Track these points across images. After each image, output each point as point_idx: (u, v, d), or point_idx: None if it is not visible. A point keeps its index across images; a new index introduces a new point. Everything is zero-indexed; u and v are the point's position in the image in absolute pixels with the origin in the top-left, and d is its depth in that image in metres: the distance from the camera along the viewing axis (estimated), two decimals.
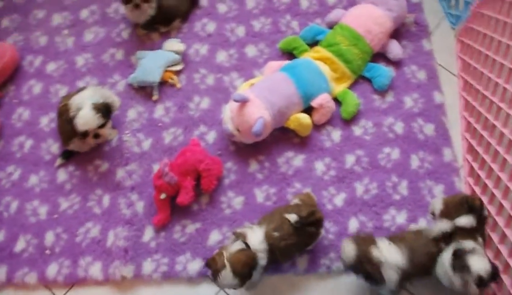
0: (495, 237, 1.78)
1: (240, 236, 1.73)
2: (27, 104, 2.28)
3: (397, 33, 2.30)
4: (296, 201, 1.86)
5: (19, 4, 2.54)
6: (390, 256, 1.67)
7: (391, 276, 1.66)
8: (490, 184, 1.85)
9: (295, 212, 1.74)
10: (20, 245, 2.00)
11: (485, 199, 1.86)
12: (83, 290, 1.94)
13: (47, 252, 1.98)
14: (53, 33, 2.44)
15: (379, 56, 2.26)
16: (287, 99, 2.04)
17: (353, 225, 1.96)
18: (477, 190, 1.93)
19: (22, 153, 2.18)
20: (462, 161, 2.08)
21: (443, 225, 1.70)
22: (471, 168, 2.02)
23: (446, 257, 1.66)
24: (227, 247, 1.70)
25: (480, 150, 1.96)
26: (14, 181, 2.12)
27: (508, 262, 1.65)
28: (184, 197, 1.97)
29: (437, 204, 1.86)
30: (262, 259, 1.71)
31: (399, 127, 2.13)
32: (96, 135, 2.02)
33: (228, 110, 2.04)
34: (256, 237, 1.72)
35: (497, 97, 1.88)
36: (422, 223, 1.95)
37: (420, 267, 1.70)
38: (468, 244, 1.65)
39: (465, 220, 1.74)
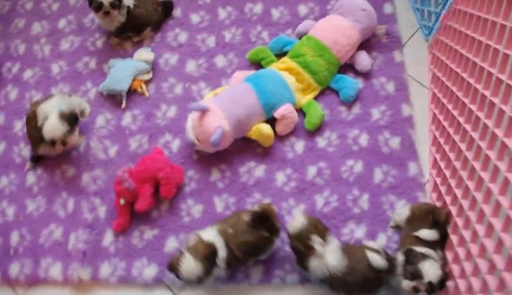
0: (449, 255, 1.73)
1: (194, 236, 1.76)
2: (2, 109, 2.38)
3: (368, 44, 2.27)
4: (256, 207, 1.87)
5: (2, 13, 2.65)
6: (329, 256, 1.68)
7: (317, 270, 1.69)
8: (448, 200, 1.81)
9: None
10: None
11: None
12: (44, 290, 2.00)
13: (11, 251, 2.06)
14: (32, 42, 2.54)
15: (349, 67, 2.24)
16: (248, 109, 2.05)
17: None
18: (439, 206, 1.88)
19: None
20: (429, 175, 2.04)
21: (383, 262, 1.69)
22: (435, 183, 1.97)
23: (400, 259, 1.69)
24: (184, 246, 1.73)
25: (442, 164, 1.91)
26: None
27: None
28: (141, 204, 2.00)
29: (404, 210, 1.85)
30: (221, 249, 1.71)
31: (364, 140, 2.10)
32: (63, 143, 2.07)
33: (190, 120, 2.07)
34: (208, 233, 1.75)
35: (457, 111, 1.84)
36: (381, 238, 1.92)
37: (354, 284, 1.69)
38: (422, 249, 1.65)
39: (427, 234, 1.73)
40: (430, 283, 1.58)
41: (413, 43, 2.32)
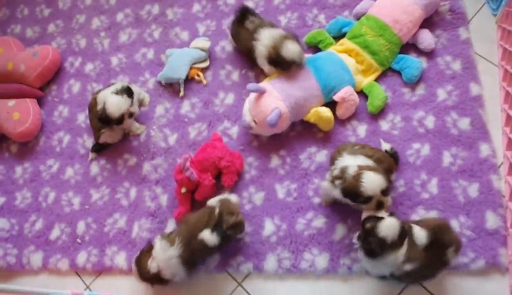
0: None
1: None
2: (66, 102, 2.45)
3: (431, 22, 2.17)
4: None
5: (64, 10, 2.74)
6: None
7: None
8: None
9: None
10: (55, 233, 2.16)
11: None
12: (109, 279, 2.04)
13: (78, 240, 2.11)
14: (92, 36, 2.60)
15: (411, 47, 2.15)
16: (305, 91, 2.01)
17: None
18: None
19: (60, 147, 2.34)
20: (503, 157, 1.91)
21: None
22: (511, 165, 1.84)
23: None
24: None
25: None
26: (53, 173, 2.29)
27: None
28: (202, 194, 2.00)
29: None
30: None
31: (430, 122, 2.00)
32: (131, 115, 2.11)
33: (247, 103, 2.05)
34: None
35: None
36: (453, 225, 1.81)
37: None
38: None
39: None
40: None
41: (479, 19, 2.19)
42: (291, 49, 2.00)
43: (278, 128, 2.00)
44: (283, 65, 2.03)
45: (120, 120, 2.08)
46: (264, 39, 2.06)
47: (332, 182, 1.74)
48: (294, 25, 2.33)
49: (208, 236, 1.76)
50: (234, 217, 1.79)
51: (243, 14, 2.19)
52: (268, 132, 2.05)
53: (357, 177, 1.63)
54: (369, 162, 1.72)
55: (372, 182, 1.61)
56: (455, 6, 2.18)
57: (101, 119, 2.07)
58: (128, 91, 2.09)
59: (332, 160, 1.86)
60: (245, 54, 2.24)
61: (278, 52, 2.02)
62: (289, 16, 2.36)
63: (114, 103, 2.03)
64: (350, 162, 1.73)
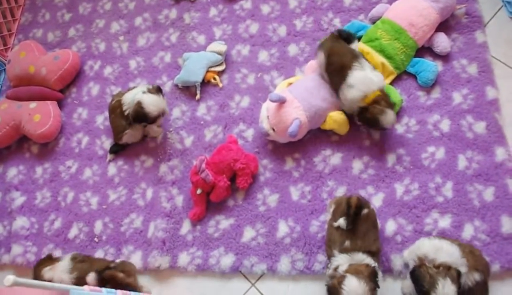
0: None
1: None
2: (85, 105, 2.50)
3: (447, 25, 2.16)
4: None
5: (84, 15, 2.79)
6: None
7: None
8: None
9: None
10: (73, 232, 2.20)
11: None
12: None
13: (96, 239, 2.16)
14: (111, 40, 2.65)
15: (426, 50, 2.15)
16: (325, 101, 2.02)
17: (390, 227, 1.88)
18: None
19: (79, 148, 2.39)
20: None
21: None
22: None
23: None
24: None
25: None
26: (72, 174, 2.34)
27: None
28: (217, 196, 2.03)
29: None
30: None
31: (445, 125, 2.00)
32: (163, 114, 2.16)
33: (265, 110, 2.07)
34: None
35: None
36: (468, 230, 1.81)
37: None
38: None
39: None
40: None
41: (496, 22, 2.17)
42: (388, 121, 1.89)
43: (296, 137, 2.01)
44: (369, 124, 1.95)
45: (156, 118, 2.12)
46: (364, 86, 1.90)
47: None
48: (309, 29, 2.34)
49: (90, 276, 1.81)
50: (127, 278, 1.85)
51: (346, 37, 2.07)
52: (285, 140, 2.07)
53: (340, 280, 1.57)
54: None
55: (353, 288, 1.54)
56: (471, 9, 2.17)
57: (137, 118, 2.11)
58: (161, 90, 2.15)
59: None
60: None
61: (376, 117, 1.88)
62: (304, 20, 2.37)
63: (152, 101, 2.08)
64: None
